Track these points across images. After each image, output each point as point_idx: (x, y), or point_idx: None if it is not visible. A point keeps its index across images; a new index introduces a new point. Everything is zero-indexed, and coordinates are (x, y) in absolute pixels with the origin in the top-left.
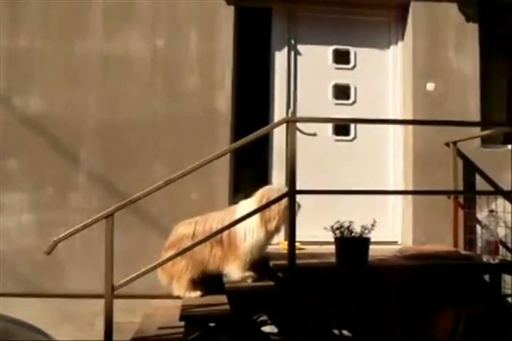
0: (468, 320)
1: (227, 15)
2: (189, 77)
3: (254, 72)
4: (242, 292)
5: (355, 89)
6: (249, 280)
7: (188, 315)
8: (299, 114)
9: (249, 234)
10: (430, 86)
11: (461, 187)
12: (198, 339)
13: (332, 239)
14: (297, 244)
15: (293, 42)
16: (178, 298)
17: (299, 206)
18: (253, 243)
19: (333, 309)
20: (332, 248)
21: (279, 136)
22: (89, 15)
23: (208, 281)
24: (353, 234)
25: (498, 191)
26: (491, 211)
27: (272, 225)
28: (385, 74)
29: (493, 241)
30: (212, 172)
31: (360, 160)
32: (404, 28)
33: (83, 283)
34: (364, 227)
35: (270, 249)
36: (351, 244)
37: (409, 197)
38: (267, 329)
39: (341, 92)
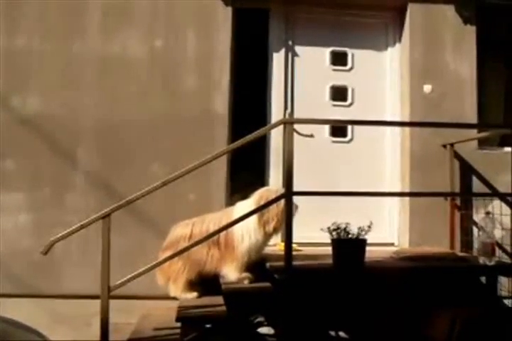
0: (464, 322)
1: (224, 16)
2: (187, 78)
3: (252, 73)
4: (238, 293)
5: (353, 90)
6: (246, 282)
7: (185, 316)
8: (296, 115)
9: (246, 235)
10: (427, 88)
11: (457, 189)
12: (194, 340)
13: (329, 241)
14: (294, 245)
15: (290, 43)
16: (174, 298)
17: (297, 207)
18: (251, 244)
19: (330, 310)
20: (329, 249)
21: (276, 137)
22: (87, 15)
23: (205, 282)
24: (349, 236)
25: (494, 193)
26: (488, 213)
27: (271, 227)
28: (383, 76)
29: (490, 243)
30: (209, 173)
31: (357, 161)
32: (401, 29)
33: (79, 284)
34: (361, 229)
35: (267, 250)
36: (348, 246)
37: (406, 198)
38: (264, 330)
39: (338, 94)
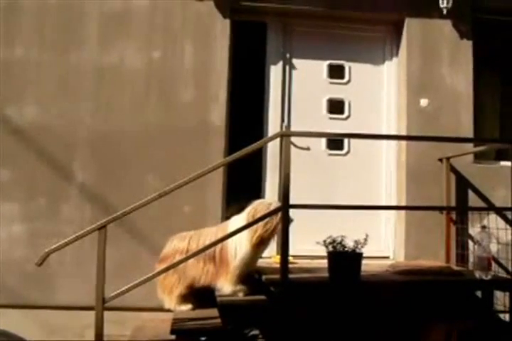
0: (459, 336)
1: (222, 28)
2: (184, 89)
3: (249, 85)
4: (233, 306)
5: (350, 103)
6: (241, 294)
7: (179, 329)
8: (293, 127)
9: (239, 248)
10: (424, 101)
11: (453, 203)
12: None
13: (324, 253)
14: (289, 257)
15: (288, 56)
16: (168, 310)
17: (291, 220)
18: (242, 257)
19: (326, 323)
20: (324, 262)
21: (272, 149)
22: (84, 26)
23: (199, 295)
24: (345, 249)
25: (490, 207)
26: (484, 227)
27: (255, 237)
28: (380, 90)
29: (486, 257)
30: (205, 185)
31: (354, 174)
32: (398, 43)
33: (73, 295)
34: (357, 242)
35: (262, 262)
36: (344, 259)
37: (402, 212)
38: None
39: (335, 107)
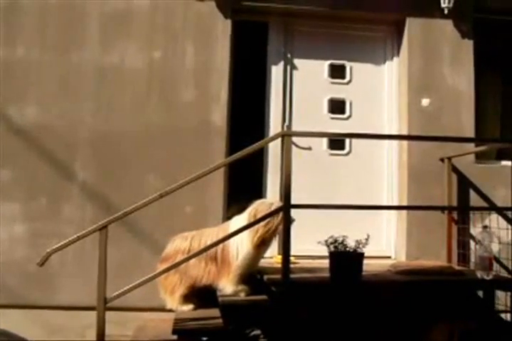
0: (461, 335)
1: (224, 28)
2: (185, 89)
3: (250, 85)
4: (235, 306)
5: (351, 103)
6: (243, 294)
7: (181, 329)
8: (294, 127)
9: (240, 248)
10: (425, 101)
11: (455, 203)
12: None
13: (326, 253)
14: (291, 257)
15: (289, 56)
16: (170, 311)
17: (293, 220)
18: (244, 257)
19: (327, 324)
20: (326, 262)
21: (274, 149)
22: (85, 26)
23: (201, 295)
24: (347, 249)
25: (491, 207)
26: (485, 227)
27: (256, 238)
28: (381, 89)
29: (487, 257)
30: (206, 185)
31: (355, 174)
32: (399, 43)
33: (74, 295)
34: (358, 242)
35: (263, 262)
36: (345, 259)
37: (404, 211)
38: None
39: (337, 107)
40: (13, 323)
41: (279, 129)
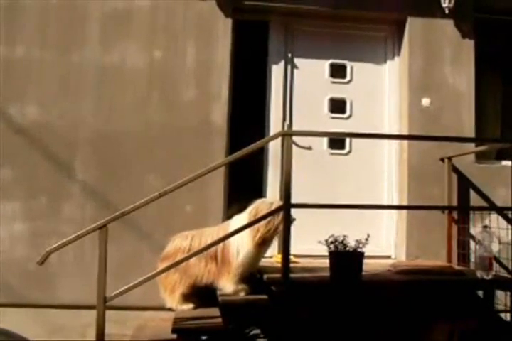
0: (461, 335)
1: (224, 27)
2: (185, 89)
3: (251, 84)
4: (234, 305)
5: (351, 103)
6: (242, 294)
7: (180, 328)
8: (295, 127)
9: (240, 248)
10: (426, 101)
11: (455, 203)
12: None
13: (326, 253)
14: (291, 257)
15: (290, 55)
16: (169, 310)
17: (293, 219)
18: (245, 257)
19: (326, 323)
20: (326, 262)
21: (274, 149)
22: (86, 25)
23: (201, 294)
24: (347, 248)
25: (491, 207)
26: (485, 226)
27: (257, 237)
28: (381, 89)
29: (487, 256)
30: (206, 184)
31: (355, 174)
32: (400, 43)
33: (74, 294)
34: (358, 241)
35: (263, 261)
36: (345, 258)
37: (404, 211)
38: None
39: (337, 106)
40: (14, 322)
41: (279, 128)
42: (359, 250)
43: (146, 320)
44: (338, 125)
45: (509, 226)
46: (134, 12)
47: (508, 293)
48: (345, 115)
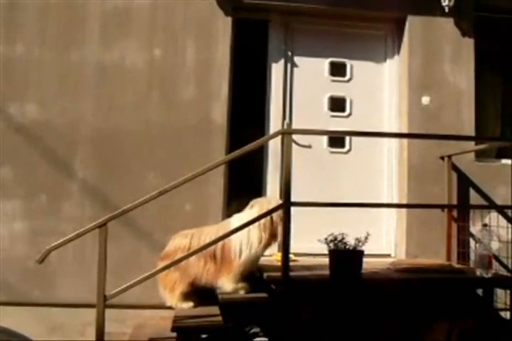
0: (461, 333)
1: (224, 26)
2: (185, 87)
3: (251, 83)
4: (234, 304)
5: (351, 101)
6: (242, 292)
7: (180, 326)
8: (295, 125)
9: (245, 246)
10: (425, 99)
11: (455, 201)
12: None
13: (325, 251)
14: (291, 255)
15: (289, 54)
16: (169, 308)
17: None
18: (249, 255)
19: (326, 321)
20: (326, 260)
21: (274, 147)
22: (86, 24)
23: (201, 292)
24: (346, 247)
25: (491, 205)
26: (485, 225)
27: (268, 236)
28: (381, 88)
29: (487, 255)
30: (206, 183)
31: (355, 172)
32: (400, 41)
33: (74, 293)
34: (358, 240)
35: (263, 260)
36: (345, 257)
37: (403, 210)
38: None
39: (337, 105)
40: (13, 320)
41: (279, 127)
42: (359, 248)
43: (146, 319)
44: (338, 123)
45: (509, 225)
46: (133, 11)
47: (508, 292)
48: (345, 113)
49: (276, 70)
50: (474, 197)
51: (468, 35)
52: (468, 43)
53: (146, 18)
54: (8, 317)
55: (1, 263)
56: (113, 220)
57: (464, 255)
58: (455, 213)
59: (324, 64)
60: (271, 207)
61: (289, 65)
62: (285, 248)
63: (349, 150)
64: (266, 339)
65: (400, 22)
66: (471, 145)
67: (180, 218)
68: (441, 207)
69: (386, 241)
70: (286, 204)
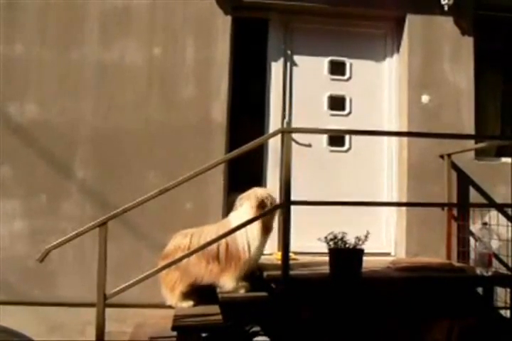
0: (461, 331)
1: (224, 25)
2: (185, 86)
3: (250, 82)
4: (234, 302)
5: (351, 100)
6: (242, 291)
7: (180, 325)
8: (294, 124)
9: (251, 240)
10: (425, 98)
11: (454, 200)
12: None
13: (325, 250)
14: (291, 254)
15: (289, 52)
16: (169, 307)
17: None
18: (256, 247)
19: (326, 320)
20: (326, 259)
21: (274, 146)
22: (85, 23)
23: (201, 291)
24: (346, 245)
25: (491, 204)
26: (485, 223)
27: (266, 223)
28: (380, 86)
29: (487, 253)
30: (206, 182)
31: (355, 171)
32: (399, 40)
33: (74, 292)
34: (358, 238)
35: (263, 259)
36: (345, 256)
37: (403, 208)
38: (260, 339)
39: (336, 103)
40: (13, 320)
41: (278, 126)
42: (359, 247)
43: (146, 318)
44: (337, 122)
45: (509, 223)
46: (133, 10)
47: (508, 290)
48: (344, 112)
49: (276, 69)
50: (474, 196)
51: (468, 33)
52: (468, 42)
53: (146, 17)
54: (8, 316)
55: (1, 262)
56: (113, 219)
57: (464, 253)
58: (455, 212)
59: (324, 63)
60: (258, 195)
61: (288, 64)
62: (285, 247)
63: (349, 149)
64: (266, 338)
65: (400, 21)
66: (470, 143)
67: (181, 217)
68: (441, 205)
69: (386, 240)
70: (286, 203)
